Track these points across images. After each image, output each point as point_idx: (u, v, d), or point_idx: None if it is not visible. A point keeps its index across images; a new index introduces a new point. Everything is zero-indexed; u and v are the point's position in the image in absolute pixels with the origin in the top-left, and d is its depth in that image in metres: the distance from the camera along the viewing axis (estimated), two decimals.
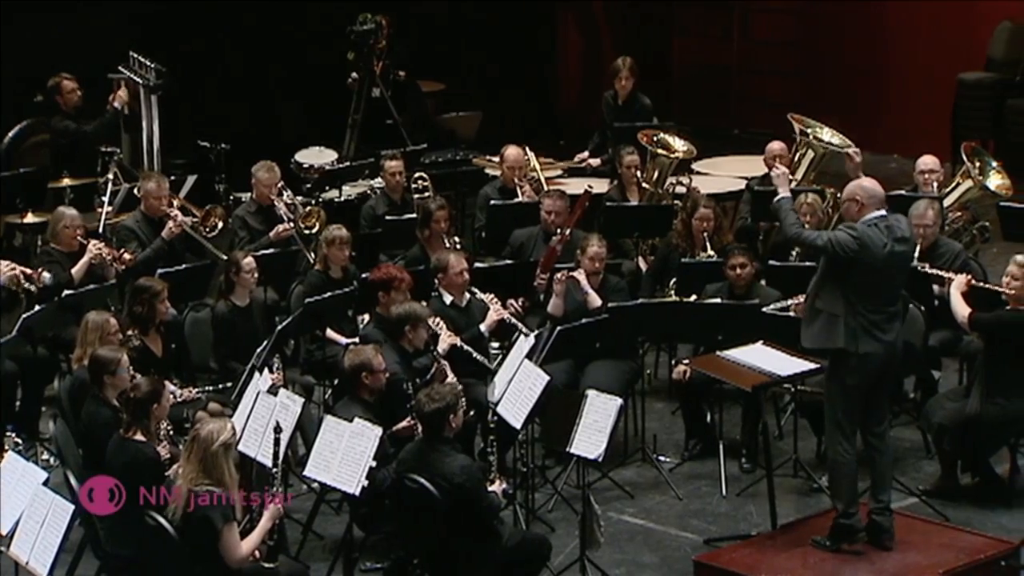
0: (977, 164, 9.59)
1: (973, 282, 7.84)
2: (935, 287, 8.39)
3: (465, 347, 7.93)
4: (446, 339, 7.94)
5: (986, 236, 9.57)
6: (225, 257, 8.91)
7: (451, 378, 7.62)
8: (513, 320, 8.30)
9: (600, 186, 10.49)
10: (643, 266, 9.67)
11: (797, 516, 7.43)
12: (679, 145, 10.47)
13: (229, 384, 7.97)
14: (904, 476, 7.84)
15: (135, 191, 9.81)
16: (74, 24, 11.78)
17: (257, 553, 6.26)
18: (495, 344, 8.79)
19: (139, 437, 6.62)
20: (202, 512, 6.04)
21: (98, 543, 6.71)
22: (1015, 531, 7.23)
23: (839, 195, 8.51)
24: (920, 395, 8.45)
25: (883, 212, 6.77)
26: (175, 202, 9.69)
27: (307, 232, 9.68)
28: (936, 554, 6.83)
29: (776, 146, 10.19)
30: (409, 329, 7.66)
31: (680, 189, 10.40)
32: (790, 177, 7.14)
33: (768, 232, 9.87)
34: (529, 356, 7.48)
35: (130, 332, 7.87)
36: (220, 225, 9.60)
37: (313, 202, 10.35)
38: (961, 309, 7.65)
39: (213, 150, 11.13)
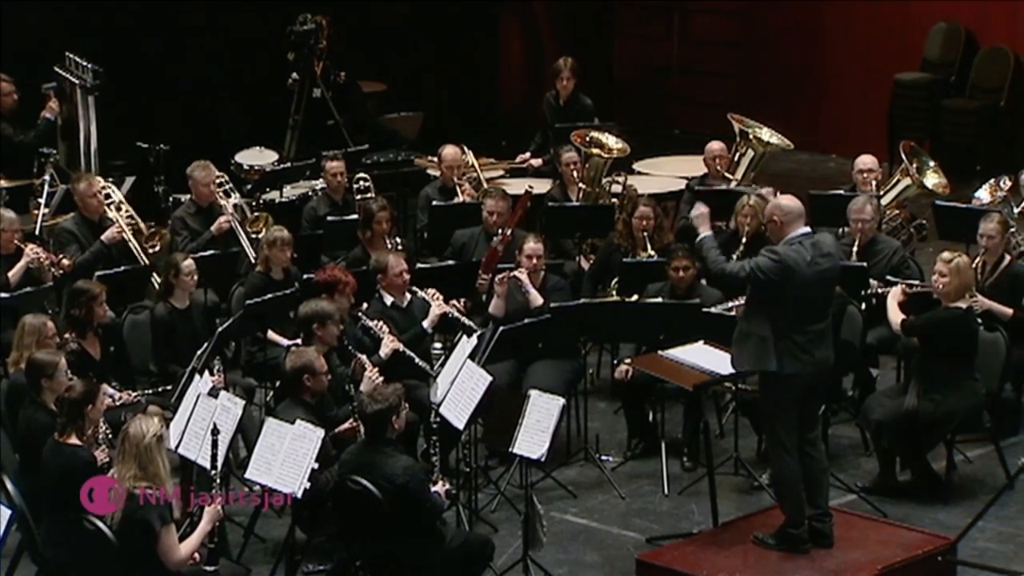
0: (915, 163, 9.70)
1: (907, 291, 7.89)
2: (872, 283, 8.49)
3: (407, 352, 7.89)
4: (388, 344, 7.91)
5: (923, 234, 9.69)
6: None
7: (369, 371, 7.59)
8: (456, 314, 8.28)
9: (542, 186, 10.51)
10: (585, 266, 9.70)
11: (738, 514, 7.48)
12: (613, 143, 10.50)
13: (169, 387, 7.91)
14: (843, 473, 7.91)
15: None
16: (9, 24, 11.64)
17: (197, 556, 6.21)
18: (438, 345, 8.79)
19: (74, 441, 6.54)
20: (140, 514, 5.99)
21: (35, 549, 6.63)
22: (952, 527, 7.31)
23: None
24: (858, 393, 8.53)
25: (807, 229, 6.78)
26: (123, 207, 9.60)
27: (254, 236, 9.61)
28: (875, 550, 6.89)
29: (715, 146, 10.26)
30: (318, 327, 7.64)
31: (616, 188, 10.44)
32: (708, 214, 7.07)
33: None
34: (472, 357, 7.48)
35: (67, 335, 7.79)
36: (158, 248, 9.47)
37: (256, 204, 10.28)
38: (894, 316, 7.73)
39: (152, 151, 11.03)
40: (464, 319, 8.35)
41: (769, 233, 7.10)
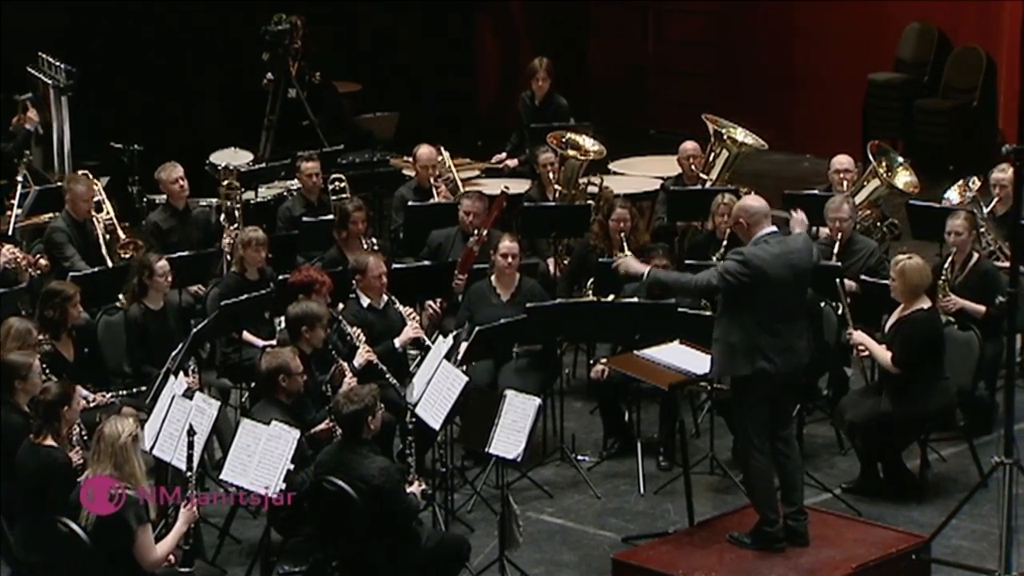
0: (884, 162, 9.74)
1: (869, 346, 7.78)
2: (848, 284, 8.52)
3: (380, 366, 7.87)
4: (363, 354, 7.89)
5: (895, 233, 9.72)
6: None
7: (349, 378, 7.58)
8: (427, 342, 8.13)
9: (518, 187, 10.52)
10: (552, 267, 9.69)
11: (714, 513, 7.50)
12: (589, 145, 10.51)
13: (143, 388, 7.88)
14: (818, 472, 7.94)
15: (62, 192, 9.63)
16: None
17: (172, 558, 6.20)
18: (414, 351, 8.78)
19: (50, 442, 6.52)
20: (117, 513, 5.97)
21: (9, 550, 6.60)
22: (926, 525, 7.34)
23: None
24: (833, 392, 8.56)
25: (772, 228, 6.80)
26: (104, 206, 9.57)
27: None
28: (849, 549, 6.92)
29: (689, 146, 10.29)
30: (306, 329, 7.62)
31: (592, 189, 10.45)
32: (628, 255, 7.06)
33: (685, 232, 9.95)
34: (447, 357, 7.47)
35: (41, 337, 7.75)
36: (129, 256, 9.40)
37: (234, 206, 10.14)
38: (883, 357, 7.67)
39: (126, 151, 11.00)
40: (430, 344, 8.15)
41: (736, 234, 7.11)
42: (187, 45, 12.94)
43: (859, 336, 7.80)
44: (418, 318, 8.32)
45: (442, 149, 10.54)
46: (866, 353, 7.85)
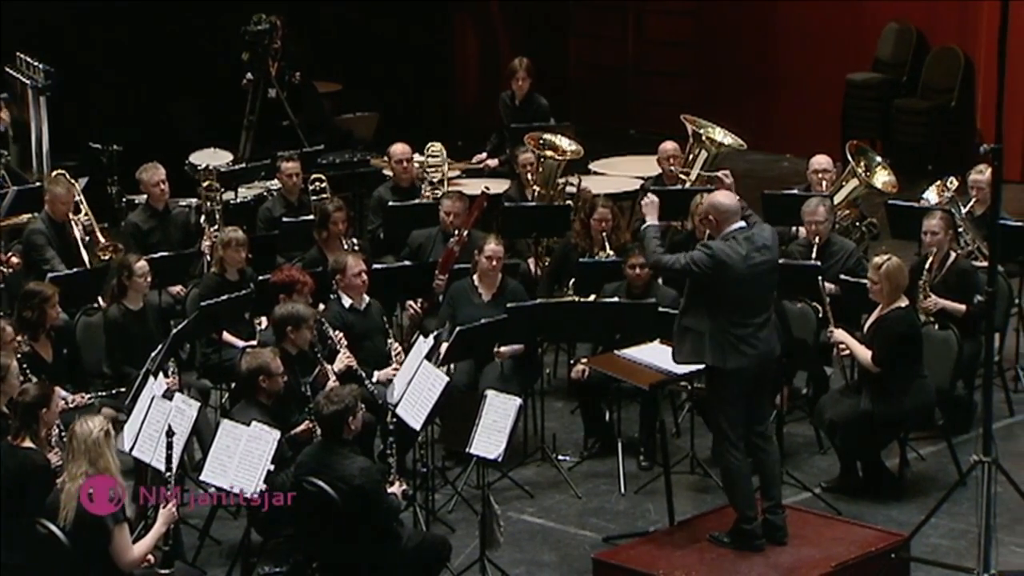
0: (863, 162, 9.78)
1: (849, 344, 7.77)
2: (827, 285, 8.55)
3: (359, 372, 7.84)
4: (343, 359, 7.86)
5: (874, 233, 9.75)
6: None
7: (332, 381, 7.57)
8: (361, 372, 7.86)
9: (498, 187, 10.52)
10: (532, 267, 9.70)
11: (695, 512, 7.51)
12: (567, 146, 10.52)
13: (123, 389, 7.85)
14: (798, 471, 7.96)
15: (44, 193, 9.59)
16: None
17: (151, 559, 6.17)
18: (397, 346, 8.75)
19: (28, 444, 6.49)
20: (94, 513, 5.94)
21: None
22: (905, 523, 7.37)
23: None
24: (812, 391, 8.58)
25: (741, 224, 6.83)
26: (83, 208, 9.53)
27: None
28: (829, 547, 6.94)
29: (669, 146, 10.30)
30: (291, 330, 7.61)
31: (571, 189, 10.46)
32: (658, 203, 7.07)
33: (665, 231, 9.95)
34: (428, 357, 7.47)
35: (19, 338, 7.72)
36: (107, 258, 9.36)
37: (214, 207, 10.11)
38: (863, 356, 7.70)
39: (105, 152, 10.96)
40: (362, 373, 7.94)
41: (706, 231, 7.13)
42: (166, 44, 12.89)
43: (839, 334, 7.83)
44: (403, 354, 8.01)
45: (441, 148, 10.52)
46: (847, 352, 7.88)
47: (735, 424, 6.87)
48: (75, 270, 8.91)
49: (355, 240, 9.50)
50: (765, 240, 6.87)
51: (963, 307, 8.28)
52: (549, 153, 10.40)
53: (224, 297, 8.37)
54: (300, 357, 7.68)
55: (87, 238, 9.43)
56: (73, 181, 9.79)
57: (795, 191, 9.90)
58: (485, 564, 6.96)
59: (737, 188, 9.19)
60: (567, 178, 10.56)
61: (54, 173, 10.05)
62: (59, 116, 11.05)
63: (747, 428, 6.93)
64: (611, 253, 9.07)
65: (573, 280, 9.10)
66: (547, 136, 10.54)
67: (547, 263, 9.69)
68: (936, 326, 8.15)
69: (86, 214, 9.60)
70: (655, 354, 7.33)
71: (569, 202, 10.10)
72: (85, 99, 12.14)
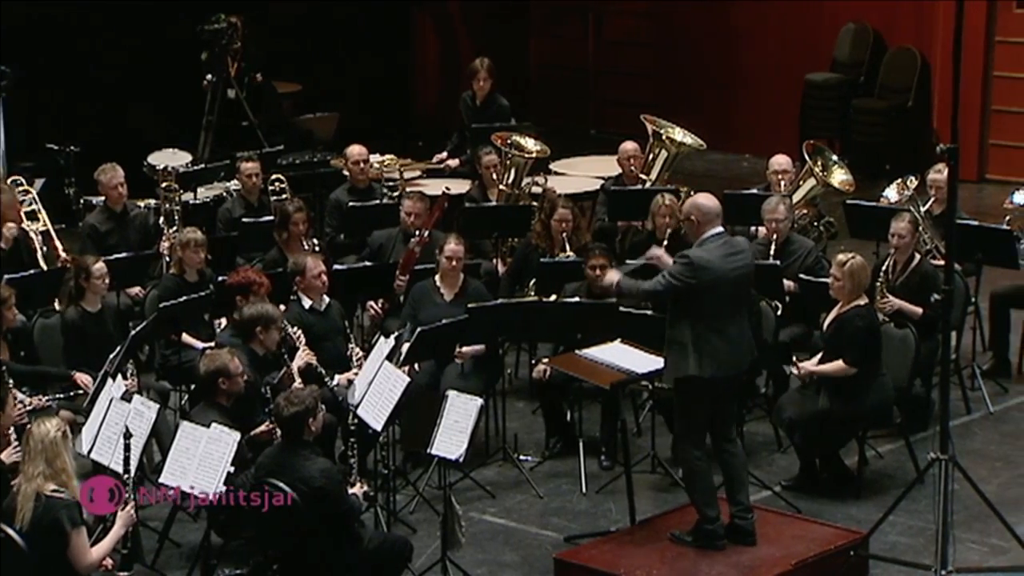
0: (820, 161, 9.84)
1: (819, 372, 7.77)
2: (786, 283, 8.60)
3: (319, 369, 7.82)
4: (303, 356, 7.85)
5: (832, 232, 9.82)
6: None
7: (298, 382, 7.55)
8: (321, 369, 7.85)
9: (460, 187, 10.52)
10: (501, 268, 9.71)
11: (656, 512, 7.53)
12: (532, 146, 10.54)
13: (81, 391, 7.80)
14: (758, 470, 8.00)
15: None
16: None
17: (109, 562, 6.13)
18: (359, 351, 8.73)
19: None
20: (50, 516, 5.90)
21: None
22: (864, 521, 7.42)
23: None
24: (772, 390, 8.63)
25: (720, 229, 6.86)
26: (40, 216, 9.44)
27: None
28: (789, 546, 6.98)
29: (629, 146, 10.34)
30: (260, 330, 7.58)
31: (536, 189, 10.48)
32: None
33: (626, 232, 9.99)
34: (389, 358, 7.46)
35: None
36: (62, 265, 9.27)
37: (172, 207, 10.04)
38: (836, 368, 7.68)
39: (62, 153, 10.88)
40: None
41: (686, 231, 7.15)
42: (125, 45, 12.81)
43: (807, 368, 7.78)
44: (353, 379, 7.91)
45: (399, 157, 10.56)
46: (817, 376, 7.82)
47: (701, 427, 6.90)
48: (31, 271, 8.84)
49: (315, 241, 9.48)
50: (742, 246, 6.94)
51: (919, 310, 8.31)
52: (515, 152, 10.42)
53: (183, 298, 8.33)
54: (264, 358, 7.65)
55: (44, 248, 9.31)
56: (29, 187, 9.68)
57: (755, 191, 9.96)
58: (447, 564, 6.96)
59: (697, 188, 9.20)
60: (532, 178, 10.57)
61: (9, 180, 9.96)
62: (15, 117, 10.96)
63: (713, 433, 6.96)
64: (571, 254, 9.08)
65: (534, 280, 9.11)
66: (514, 136, 10.56)
67: (508, 263, 9.69)
68: (893, 325, 8.20)
69: (43, 224, 9.50)
70: (616, 354, 7.35)
71: (534, 203, 10.12)
72: (41, 100, 12.04)
